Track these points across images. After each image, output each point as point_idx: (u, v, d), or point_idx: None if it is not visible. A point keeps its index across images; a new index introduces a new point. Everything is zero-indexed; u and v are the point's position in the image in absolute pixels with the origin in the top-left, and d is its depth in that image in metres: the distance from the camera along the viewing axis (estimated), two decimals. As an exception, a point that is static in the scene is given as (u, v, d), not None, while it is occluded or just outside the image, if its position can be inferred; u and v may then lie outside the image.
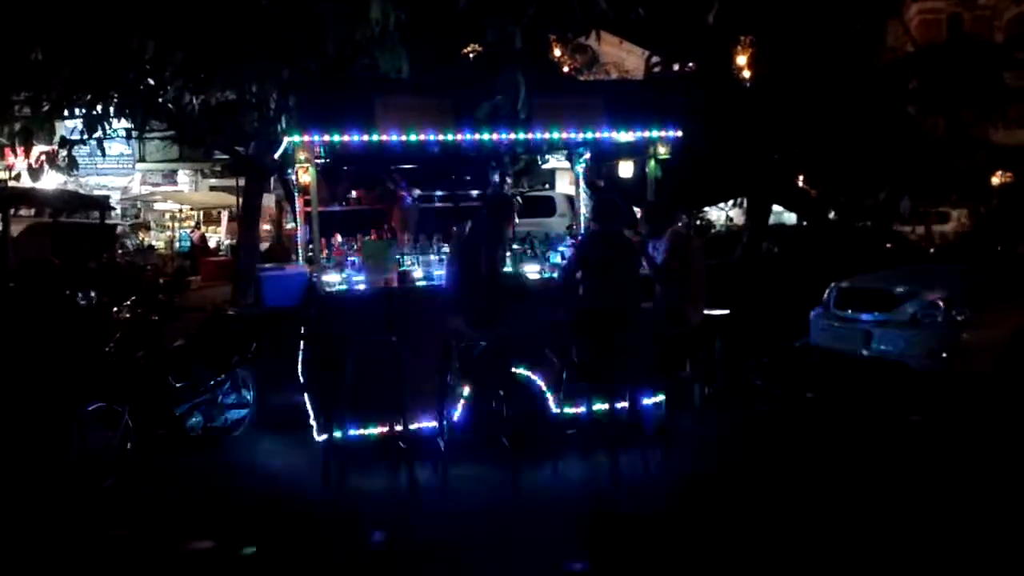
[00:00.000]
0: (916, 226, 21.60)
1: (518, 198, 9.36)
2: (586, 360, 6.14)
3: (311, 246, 7.08)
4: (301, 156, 6.46)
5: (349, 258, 7.18)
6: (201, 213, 30.60)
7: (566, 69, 19.12)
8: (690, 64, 16.42)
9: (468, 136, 6.71)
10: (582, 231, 7.65)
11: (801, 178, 17.96)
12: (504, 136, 6.87)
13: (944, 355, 7.82)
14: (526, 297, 6.33)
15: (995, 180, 20.30)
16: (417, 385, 6.21)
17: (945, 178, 16.77)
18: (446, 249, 7.14)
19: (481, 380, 6.16)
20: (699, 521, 5.26)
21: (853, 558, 4.67)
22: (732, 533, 5.03)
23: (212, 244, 26.90)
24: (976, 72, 15.97)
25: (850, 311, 8.76)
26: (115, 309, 7.03)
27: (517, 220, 6.54)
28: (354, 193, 8.69)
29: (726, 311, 7.22)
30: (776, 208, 18.78)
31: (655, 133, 7.10)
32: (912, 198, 16.40)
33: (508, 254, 6.87)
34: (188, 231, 28.29)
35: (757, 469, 6.24)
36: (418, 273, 6.99)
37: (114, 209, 24.01)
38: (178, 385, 6.62)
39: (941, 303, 8.03)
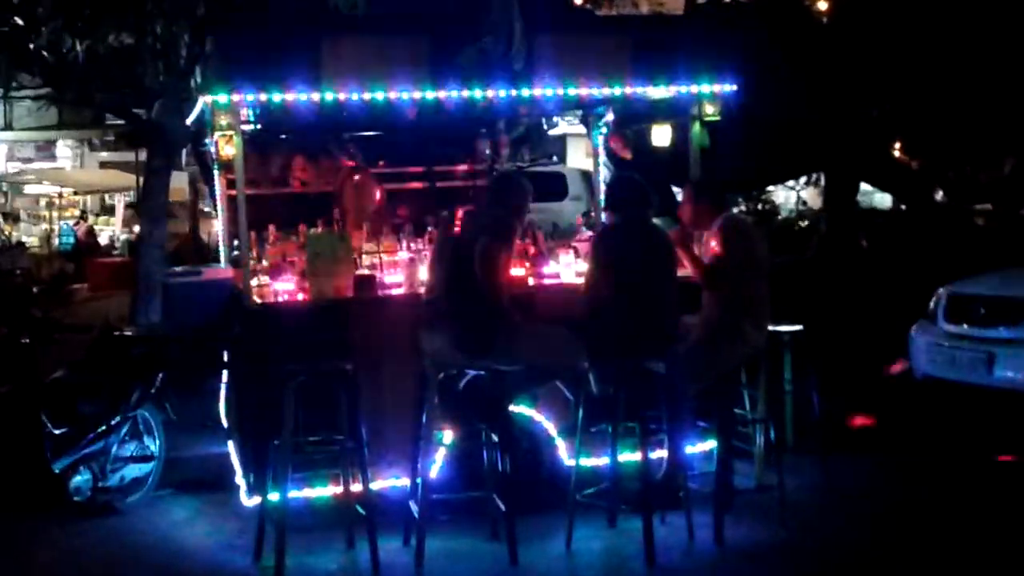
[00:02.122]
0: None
1: (501, 170, 9.32)
2: (610, 394, 6.11)
3: (236, 242, 7.08)
4: (223, 121, 6.42)
5: (288, 258, 7.16)
6: (89, 199, 30.57)
7: (579, 0, 19.15)
8: (747, -8, 16.46)
9: (449, 93, 6.68)
10: (603, 221, 7.65)
11: (898, 146, 17.97)
12: (496, 92, 6.82)
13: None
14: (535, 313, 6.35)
15: None
16: (382, 430, 6.24)
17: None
18: (419, 246, 7.13)
19: (469, 422, 6.16)
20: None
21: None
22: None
23: (104, 240, 26.89)
24: None
25: (965, 325, 8.71)
26: (-30, 329, 7.02)
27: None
28: (297, 170, 8.67)
29: (798, 327, 7.22)
30: (865, 187, 18.78)
31: (701, 87, 7.08)
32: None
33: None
34: (71, 223, 28.30)
35: (846, 547, 6.11)
36: (382, 278, 6.97)
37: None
38: (57, 432, 6.58)
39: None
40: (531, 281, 7.12)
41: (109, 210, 31.01)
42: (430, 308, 6.16)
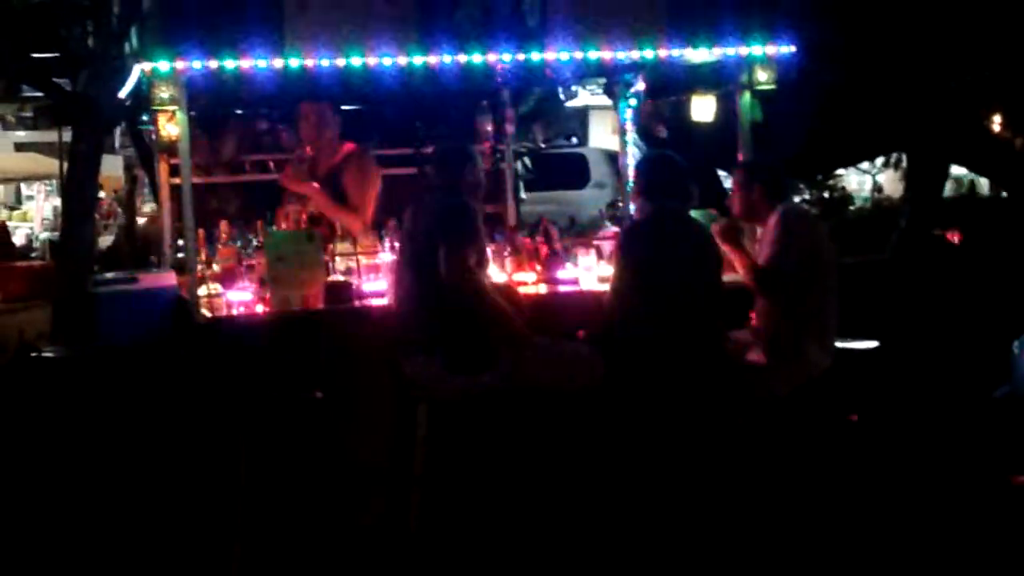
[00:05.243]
0: None
1: (507, 152, 9.31)
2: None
3: (182, 241, 7.10)
4: (164, 94, 6.46)
5: (245, 261, 7.19)
6: (1, 189, 30.60)
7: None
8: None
9: (443, 58, 6.74)
10: (630, 212, 7.67)
11: (997, 119, 17.90)
12: (502, 57, 6.86)
13: None
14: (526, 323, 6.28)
15: None
16: (360, 473, 6.28)
17: None
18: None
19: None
20: None
21: None
22: None
23: (19, 240, 26.93)
24: None
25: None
26: None
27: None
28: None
29: (873, 343, 7.21)
30: (956, 170, 18.73)
31: (752, 49, 7.11)
32: None
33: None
34: (-22, 219, 28.38)
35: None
36: (359, 285, 6.99)
37: None
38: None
39: None
40: (543, 288, 7.15)
41: (25, 203, 31.02)
42: (405, 322, 6.20)
